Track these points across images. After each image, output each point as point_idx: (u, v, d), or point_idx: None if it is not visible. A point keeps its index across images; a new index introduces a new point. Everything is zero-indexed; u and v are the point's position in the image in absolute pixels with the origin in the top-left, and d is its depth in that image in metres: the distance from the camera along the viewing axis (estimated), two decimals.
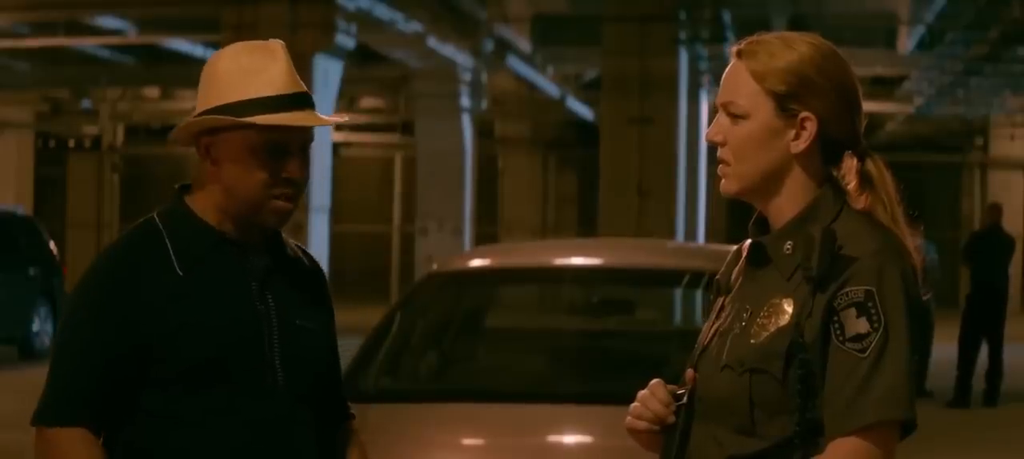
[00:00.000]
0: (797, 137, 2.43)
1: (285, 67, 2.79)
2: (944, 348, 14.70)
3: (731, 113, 2.46)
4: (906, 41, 21.93)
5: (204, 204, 2.82)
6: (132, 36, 20.91)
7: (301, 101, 2.78)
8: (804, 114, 2.42)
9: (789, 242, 2.42)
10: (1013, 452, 11.60)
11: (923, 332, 12.88)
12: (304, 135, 2.80)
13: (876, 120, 28.45)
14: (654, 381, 2.54)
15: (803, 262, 2.36)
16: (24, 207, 23.39)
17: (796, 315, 2.36)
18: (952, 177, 31.16)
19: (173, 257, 2.77)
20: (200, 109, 2.79)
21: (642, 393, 2.54)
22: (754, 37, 2.50)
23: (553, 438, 5.49)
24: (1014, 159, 28.92)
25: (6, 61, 24.01)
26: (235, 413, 2.76)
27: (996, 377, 14.32)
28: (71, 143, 30.25)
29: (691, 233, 18.68)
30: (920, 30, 20.80)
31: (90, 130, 29.92)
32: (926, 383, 14.83)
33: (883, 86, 25.78)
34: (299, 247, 2.99)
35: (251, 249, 2.83)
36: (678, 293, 7.20)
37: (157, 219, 2.83)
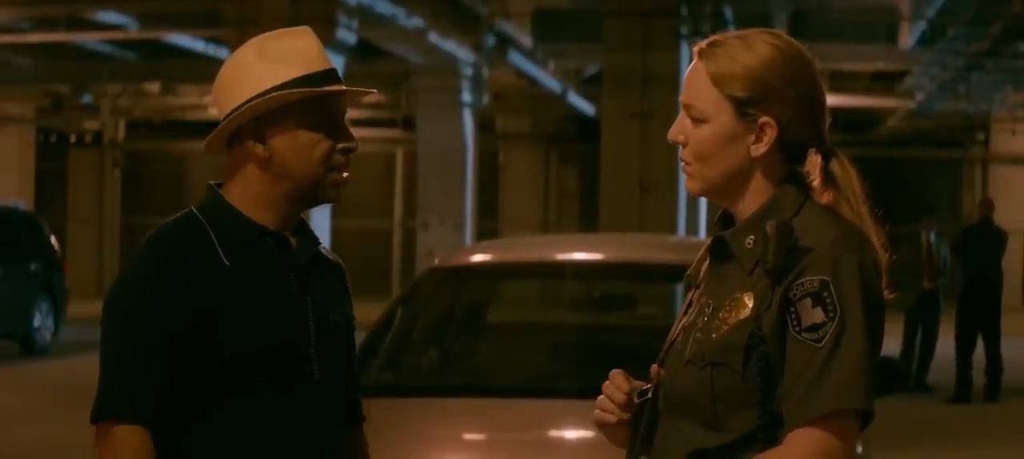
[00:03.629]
0: (757, 141, 2.43)
1: (317, 45, 2.83)
2: (945, 344, 14.71)
3: (691, 115, 2.47)
4: (907, 36, 21.91)
5: (242, 199, 2.80)
6: (133, 31, 20.89)
7: (335, 76, 2.83)
8: (763, 119, 2.42)
9: (751, 237, 2.42)
10: (1014, 447, 11.61)
11: (932, 328, 12.85)
12: (345, 107, 2.85)
13: (877, 116, 28.44)
14: (614, 371, 2.57)
15: (762, 256, 2.37)
16: (25, 202, 23.42)
17: (756, 308, 2.37)
18: (953, 173, 31.13)
19: (218, 247, 2.75)
20: (231, 105, 2.77)
21: (604, 384, 2.56)
22: (715, 36, 2.49)
23: (554, 433, 5.50)
24: (1015, 155, 28.89)
25: (7, 56, 24.00)
26: (275, 408, 2.74)
27: (996, 372, 14.32)
28: (72, 138, 30.24)
29: (693, 228, 18.66)
30: (921, 25, 20.78)
31: (91, 125, 29.91)
32: (928, 378, 14.85)
33: (884, 81, 25.76)
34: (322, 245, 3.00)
35: (289, 243, 2.83)
36: (679, 288, 7.20)
37: (197, 212, 2.81)
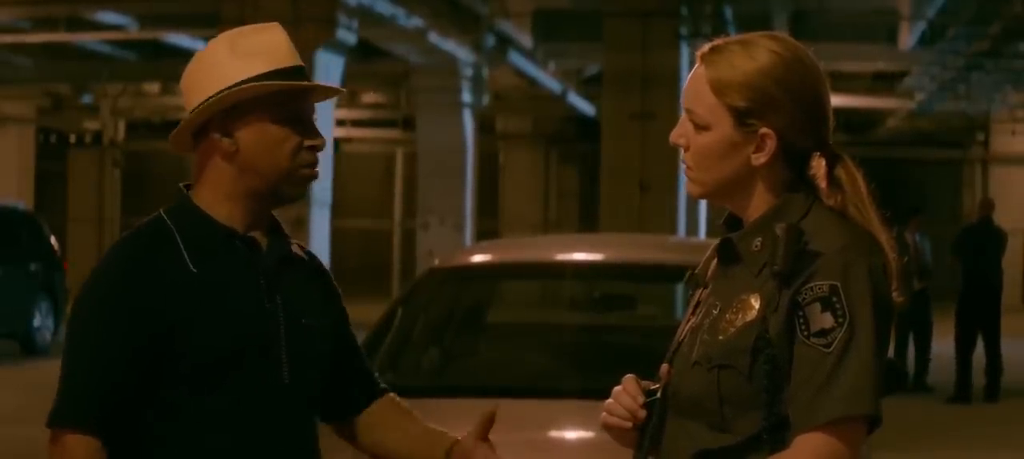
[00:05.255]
0: (758, 151, 2.42)
1: (286, 41, 2.82)
2: (945, 344, 14.71)
3: (693, 121, 2.46)
4: (908, 37, 21.91)
5: (211, 199, 2.79)
6: (133, 31, 20.90)
7: (302, 73, 2.82)
8: (764, 130, 2.41)
9: (758, 239, 2.42)
10: (1014, 448, 11.60)
11: (925, 327, 12.85)
12: (312, 105, 2.84)
13: (877, 116, 28.44)
14: (627, 377, 2.56)
15: (770, 258, 2.37)
16: (25, 202, 23.39)
17: (763, 311, 2.36)
18: (953, 173, 31.14)
19: (185, 253, 2.74)
20: (199, 99, 2.76)
21: (615, 389, 2.55)
22: (718, 41, 2.48)
23: (554, 434, 5.49)
24: (1015, 155, 28.90)
25: (7, 56, 24.00)
26: (245, 411, 2.74)
27: (996, 372, 14.32)
28: (72, 138, 30.26)
29: (693, 228, 18.67)
30: (922, 25, 20.79)
31: (91, 125, 29.93)
32: (927, 379, 14.85)
33: (884, 82, 25.76)
34: (299, 244, 2.97)
35: (258, 244, 2.81)
36: (679, 288, 7.20)
37: (165, 216, 2.80)
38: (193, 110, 2.77)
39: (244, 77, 2.74)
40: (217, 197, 2.79)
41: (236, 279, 2.77)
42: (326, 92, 2.88)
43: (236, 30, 2.83)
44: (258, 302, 2.77)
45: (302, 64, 2.82)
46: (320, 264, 3.00)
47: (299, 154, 2.77)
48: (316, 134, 2.81)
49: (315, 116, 2.85)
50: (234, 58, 2.76)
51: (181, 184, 2.86)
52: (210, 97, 2.74)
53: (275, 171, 2.76)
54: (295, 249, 2.91)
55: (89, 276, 2.79)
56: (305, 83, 2.78)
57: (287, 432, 2.80)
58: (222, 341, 2.72)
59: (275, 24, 2.86)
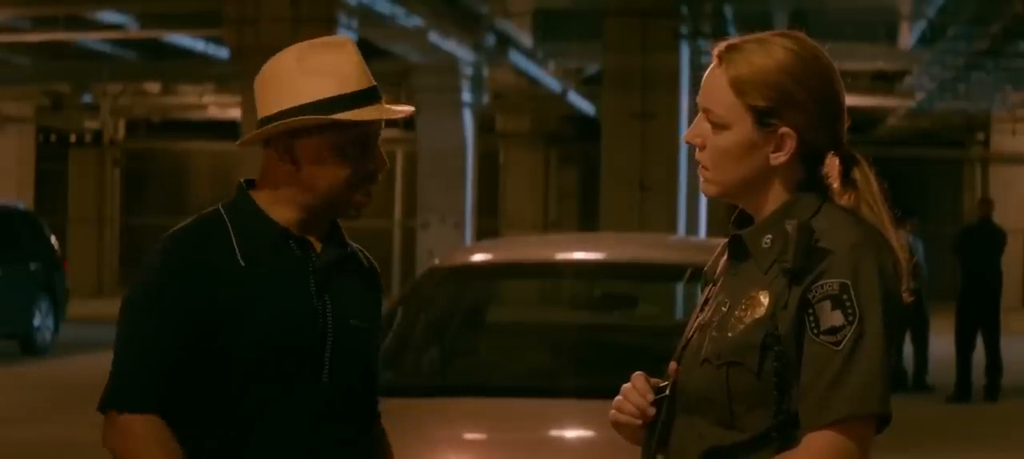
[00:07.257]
0: (777, 151, 2.42)
1: (357, 62, 2.83)
2: (945, 343, 14.71)
3: (710, 120, 2.45)
4: (907, 36, 21.91)
5: (269, 200, 2.84)
6: (133, 30, 20.89)
7: (374, 95, 2.83)
8: (783, 130, 2.41)
9: (768, 236, 2.41)
10: (1014, 447, 11.61)
11: (922, 327, 12.84)
12: (379, 127, 2.86)
13: (877, 115, 28.43)
14: (635, 374, 2.55)
15: (780, 255, 2.36)
16: (25, 202, 23.38)
17: (771, 307, 2.36)
18: (953, 172, 31.13)
19: (236, 247, 2.80)
20: (267, 111, 2.81)
21: (624, 386, 2.55)
22: (734, 40, 2.47)
23: (555, 433, 5.50)
24: (1015, 154, 28.88)
25: (7, 56, 24.00)
26: (288, 406, 2.78)
27: (996, 372, 14.33)
28: (72, 138, 30.23)
29: (693, 227, 18.67)
30: (921, 25, 20.78)
31: (91, 125, 29.90)
32: (928, 378, 14.86)
33: (884, 81, 25.75)
34: (360, 249, 3.01)
35: (312, 246, 2.86)
36: (680, 287, 7.20)
37: (222, 210, 2.85)
38: (259, 125, 2.81)
39: (310, 97, 2.76)
40: (276, 200, 2.84)
41: (286, 278, 2.81)
42: (388, 115, 2.85)
43: (307, 43, 2.86)
44: (306, 301, 2.81)
45: (373, 85, 2.84)
46: (374, 268, 3.03)
47: (357, 181, 2.81)
48: (375, 160, 2.83)
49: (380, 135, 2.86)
50: (302, 74, 2.79)
51: (241, 180, 2.90)
52: (274, 115, 2.79)
53: (330, 195, 2.81)
54: (352, 252, 2.95)
55: (142, 264, 2.84)
56: (353, 116, 2.77)
57: (322, 428, 2.83)
58: (266, 337, 2.76)
59: (346, 40, 2.88)
